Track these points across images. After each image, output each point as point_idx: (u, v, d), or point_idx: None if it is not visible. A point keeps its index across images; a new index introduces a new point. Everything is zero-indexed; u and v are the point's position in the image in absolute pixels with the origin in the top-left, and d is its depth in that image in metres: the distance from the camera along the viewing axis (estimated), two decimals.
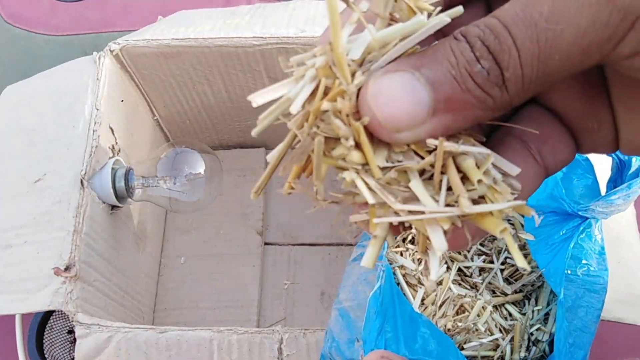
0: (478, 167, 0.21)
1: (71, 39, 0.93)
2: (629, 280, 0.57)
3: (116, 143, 0.67)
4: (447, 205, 0.21)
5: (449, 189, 0.21)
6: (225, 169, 0.74)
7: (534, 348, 0.57)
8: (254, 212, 0.84)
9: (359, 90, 0.21)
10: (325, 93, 0.21)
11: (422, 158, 0.21)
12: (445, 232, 0.21)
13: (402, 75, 0.20)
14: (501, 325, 0.59)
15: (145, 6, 0.96)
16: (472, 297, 0.60)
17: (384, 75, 0.20)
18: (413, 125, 0.20)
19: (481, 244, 0.65)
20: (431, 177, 0.21)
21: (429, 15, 0.21)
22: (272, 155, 0.23)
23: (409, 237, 0.63)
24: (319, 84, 0.21)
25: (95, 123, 0.63)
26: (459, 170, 0.21)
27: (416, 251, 0.62)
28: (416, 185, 0.21)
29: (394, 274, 0.59)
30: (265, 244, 0.83)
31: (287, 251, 0.82)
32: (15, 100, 0.67)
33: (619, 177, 0.53)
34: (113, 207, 0.65)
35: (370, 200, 0.21)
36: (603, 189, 0.55)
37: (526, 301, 0.61)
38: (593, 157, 0.56)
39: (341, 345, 0.49)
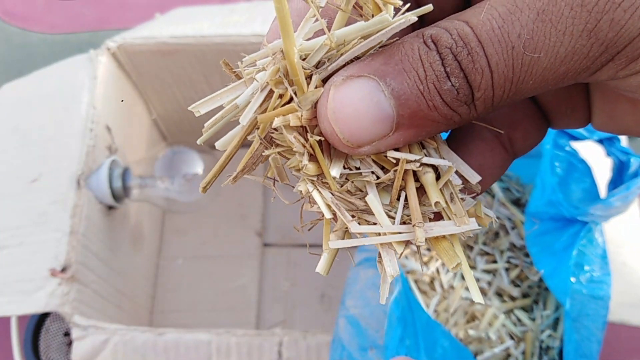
0: (439, 178, 0.20)
1: (67, 37, 0.92)
2: (634, 282, 0.57)
3: (113, 142, 0.66)
4: (404, 223, 0.20)
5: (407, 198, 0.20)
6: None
7: (545, 357, 0.57)
8: (253, 213, 0.83)
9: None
10: (279, 96, 0.20)
11: (380, 166, 0.20)
12: (400, 254, 0.20)
13: (365, 84, 0.18)
14: (512, 331, 0.58)
15: (142, 3, 0.95)
16: (482, 303, 0.59)
17: (345, 83, 0.19)
18: (375, 140, 0.19)
19: (484, 243, 0.64)
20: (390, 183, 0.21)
21: (397, 11, 0.19)
22: (222, 144, 0.21)
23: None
24: (271, 92, 0.19)
25: (91, 122, 0.62)
26: (417, 180, 0.20)
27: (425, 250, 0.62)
28: (373, 200, 0.20)
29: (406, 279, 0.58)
30: (265, 245, 0.82)
31: (286, 252, 0.81)
32: (11, 99, 0.67)
33: (618, 178, 0.52)
34: (110, 207, 0.64)
35: (327, 215, 0.20)
36: (603, 192, 0.54)
37: (534, 306, 0.60)
38: (591, 159, 0.55)
39: (353, 354, 0.47)
